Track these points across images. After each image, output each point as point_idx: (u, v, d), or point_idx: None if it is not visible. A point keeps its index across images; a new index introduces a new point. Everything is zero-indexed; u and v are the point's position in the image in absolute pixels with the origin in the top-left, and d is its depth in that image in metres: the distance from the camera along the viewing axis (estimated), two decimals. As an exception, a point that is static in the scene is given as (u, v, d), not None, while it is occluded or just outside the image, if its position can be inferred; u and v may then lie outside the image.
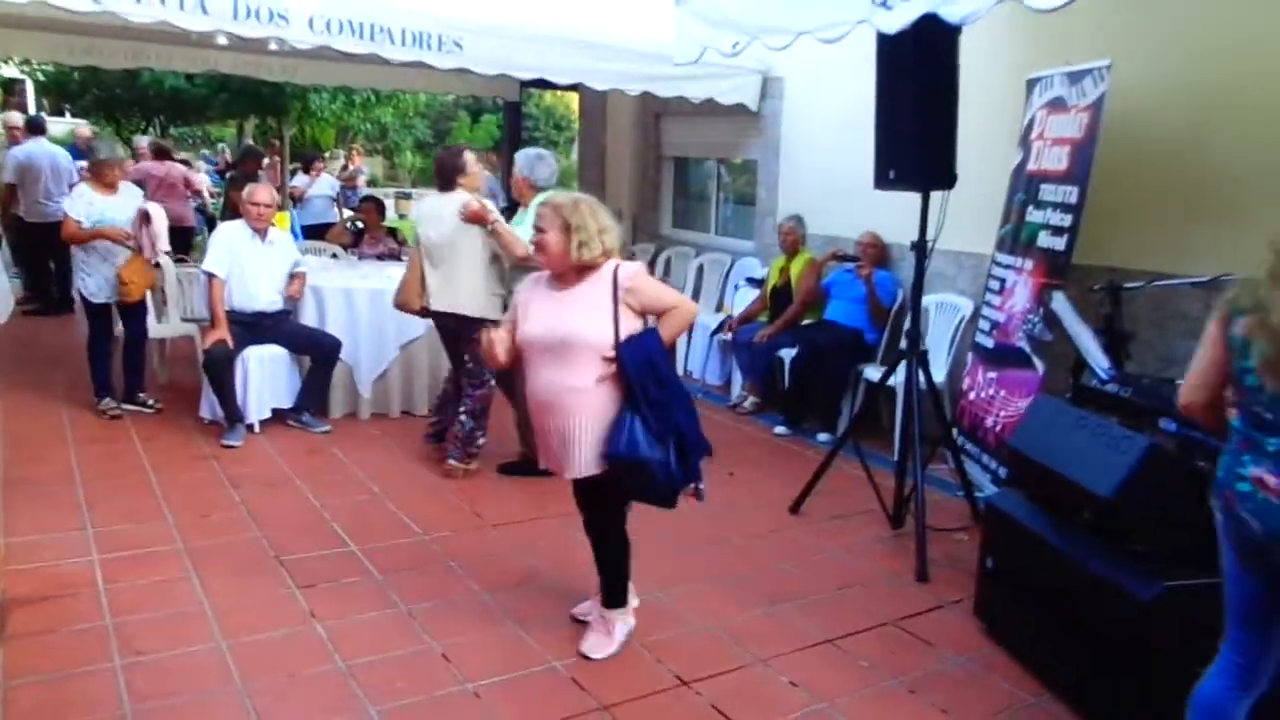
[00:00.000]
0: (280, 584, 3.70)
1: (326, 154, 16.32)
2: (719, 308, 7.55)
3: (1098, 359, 3.60)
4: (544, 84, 6.95)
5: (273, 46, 6.38)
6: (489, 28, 5.91)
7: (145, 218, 5.66)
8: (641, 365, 2.94)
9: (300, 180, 10.53)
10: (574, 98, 12.21)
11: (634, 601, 3.41)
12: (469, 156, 5.02)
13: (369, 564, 3.90)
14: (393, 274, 6.34)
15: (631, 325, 3.00)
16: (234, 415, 5.39)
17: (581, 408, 3.00)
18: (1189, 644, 2.65)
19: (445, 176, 4.93)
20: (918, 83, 4.08)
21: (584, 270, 3.04)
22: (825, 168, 6.63)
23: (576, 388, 2.99)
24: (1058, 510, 3.16)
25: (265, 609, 3.48)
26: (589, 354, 2.96)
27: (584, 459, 3.04)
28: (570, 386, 2.99)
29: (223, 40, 6.27)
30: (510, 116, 10.93)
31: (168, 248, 5.99)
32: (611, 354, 2.95)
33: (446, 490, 4.80)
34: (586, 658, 3.18)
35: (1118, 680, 2.80)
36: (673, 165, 8.86)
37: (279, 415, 5.67)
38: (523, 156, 5.06)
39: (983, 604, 3.53)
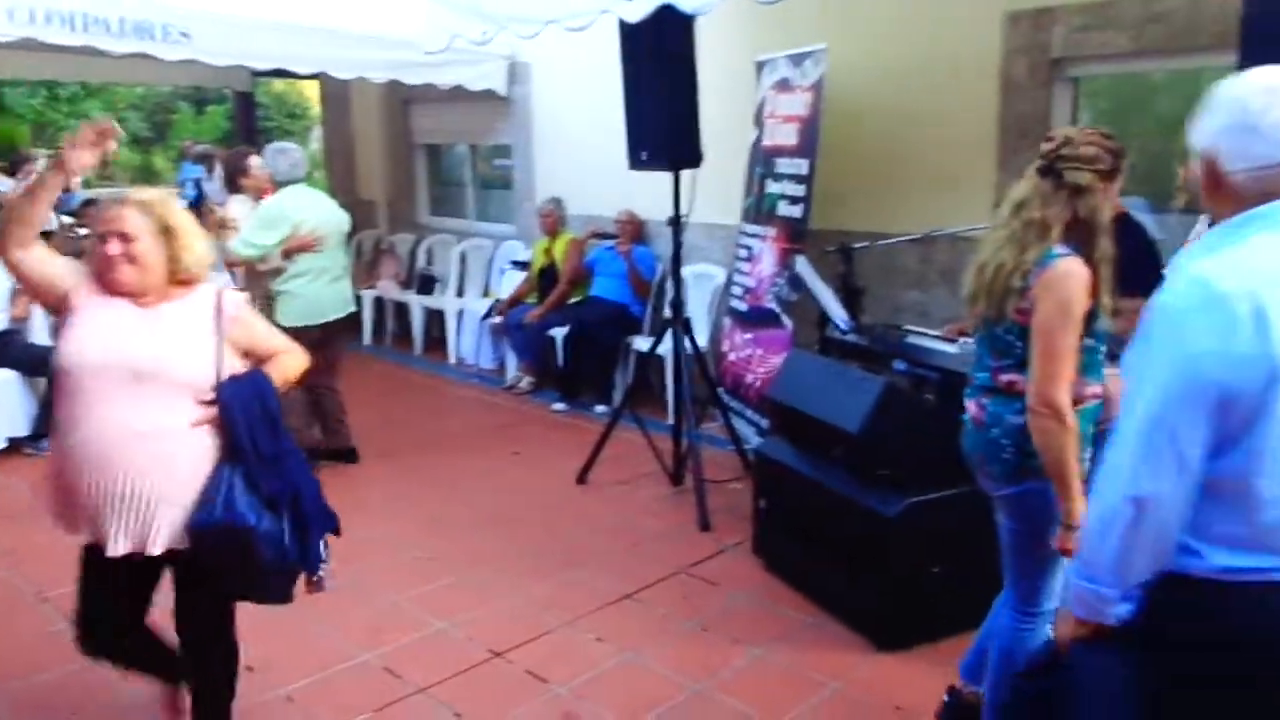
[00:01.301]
0: (45, 623, 3.44)
1: (26, 154, 14.65)
2: (486, 293, 7.61)
3: (837, 313, 4.04)
4: (283, 74, 6.69)
5: (-38, 38, 5.73)
6: (219, 16, 5.59)
7: None
8: (250, 407, 2.30)
9: (5, 184, 9.44)
10: (308, 85, 11.72)
11: None
12: (254, 160, 4.97)
13: (148, 588, 3.70)
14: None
15: (232, 365, 2.36)
16: (-41, 449, 4.86)
17: (165, 460, 2.25)
18: (929, 550, 3.11)
19: (229, 178, 5.09)
20: (660, 68, 4.35)
21: (176, 287, 2.36)
22: (578, 149, 6.84)
23: (157, 433, 2.24)
24: (815, 449, 3.55)
25: (31, 651, 3.24)
26: (180, 393, 2.26)
27: (168, 528, 2.27)
28: (146, 432, 2.23)
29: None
30: (242, 107, 10.33)
31: None
32: (210, 395, 2.28)
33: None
34: None
35: (874, 589, 3.21)
36: (425, 152, 8.77)
37: (15, 444, 5.17)
38: (266, 151, 4.96)
39: (760, 543, 3.90)
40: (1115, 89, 4.76)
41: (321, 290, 4.74)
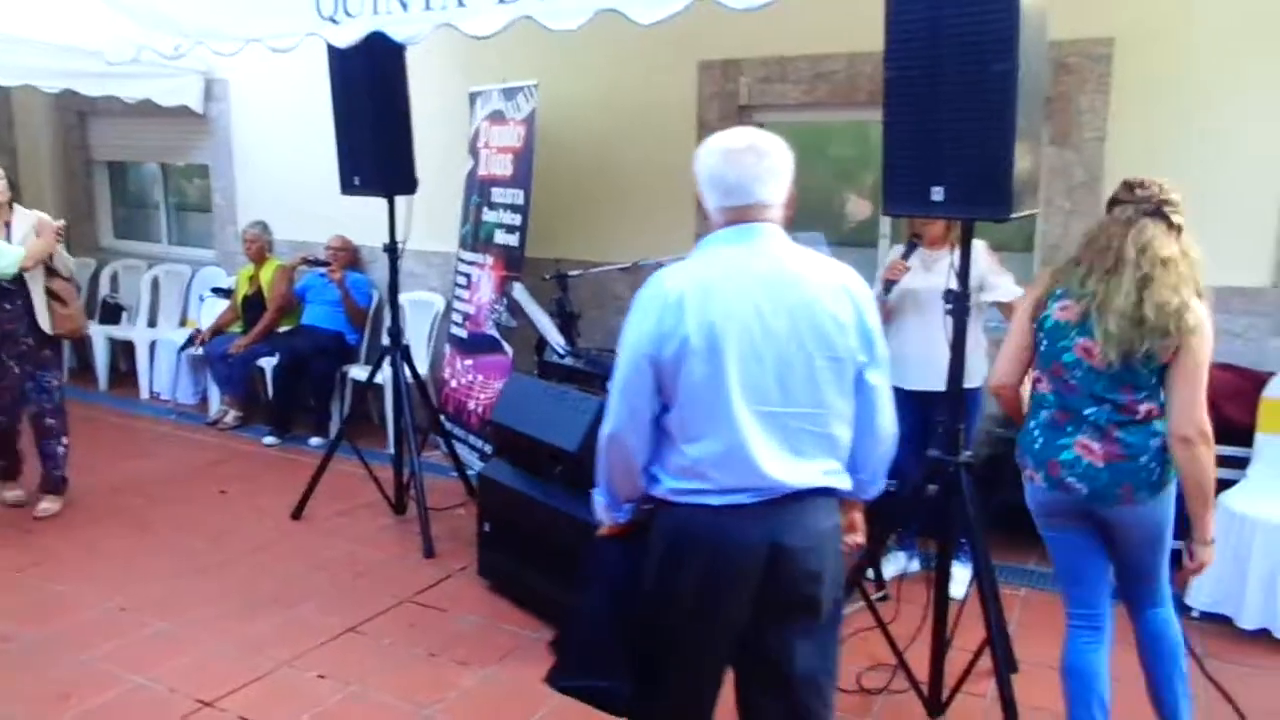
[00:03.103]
0: None
1: None
2: (183, 322, 7.08)
3: (555, 338, 4.20)
4: (-71, 77, 5.89)
5: None
6: None
7: None
8: None
9: None
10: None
11: None
12: None
13: None
14: None
15: None
16: None
17: None
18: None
19: None
20: (372, 95, 4.31)
21: None
22: (286, 173, 6.57)
23: None
24: (537, 470, 3.67)
25: None
26: None
27: None
28: None
29: None
30: None
31: None
32: None
33: None
34: None
35: (598, 600, 3.38)
36: (107, 170, 8.01)
37: None
38: None
39: (485, 565, 3.95)
40: (796, 135, 5.25)
41: None
